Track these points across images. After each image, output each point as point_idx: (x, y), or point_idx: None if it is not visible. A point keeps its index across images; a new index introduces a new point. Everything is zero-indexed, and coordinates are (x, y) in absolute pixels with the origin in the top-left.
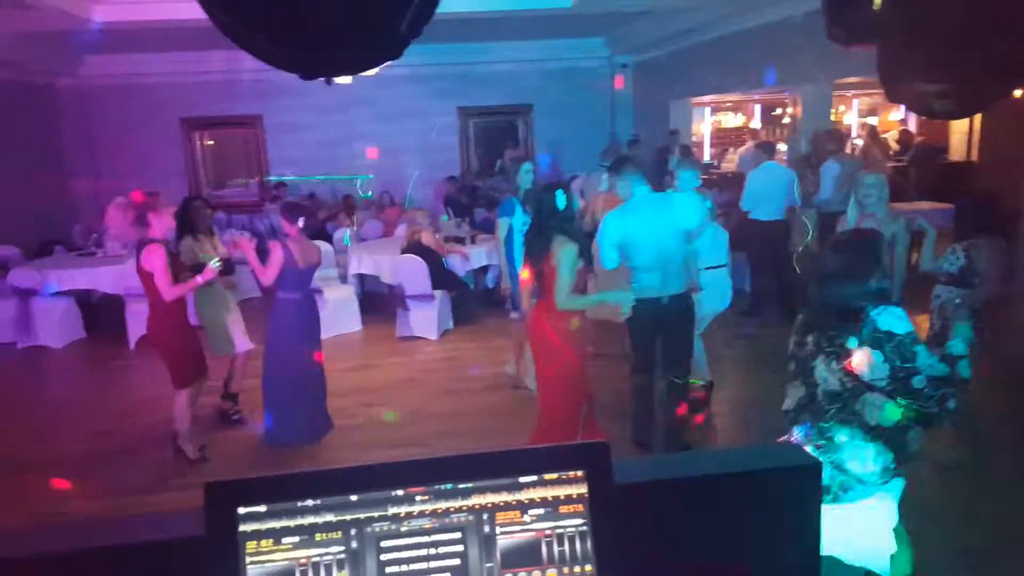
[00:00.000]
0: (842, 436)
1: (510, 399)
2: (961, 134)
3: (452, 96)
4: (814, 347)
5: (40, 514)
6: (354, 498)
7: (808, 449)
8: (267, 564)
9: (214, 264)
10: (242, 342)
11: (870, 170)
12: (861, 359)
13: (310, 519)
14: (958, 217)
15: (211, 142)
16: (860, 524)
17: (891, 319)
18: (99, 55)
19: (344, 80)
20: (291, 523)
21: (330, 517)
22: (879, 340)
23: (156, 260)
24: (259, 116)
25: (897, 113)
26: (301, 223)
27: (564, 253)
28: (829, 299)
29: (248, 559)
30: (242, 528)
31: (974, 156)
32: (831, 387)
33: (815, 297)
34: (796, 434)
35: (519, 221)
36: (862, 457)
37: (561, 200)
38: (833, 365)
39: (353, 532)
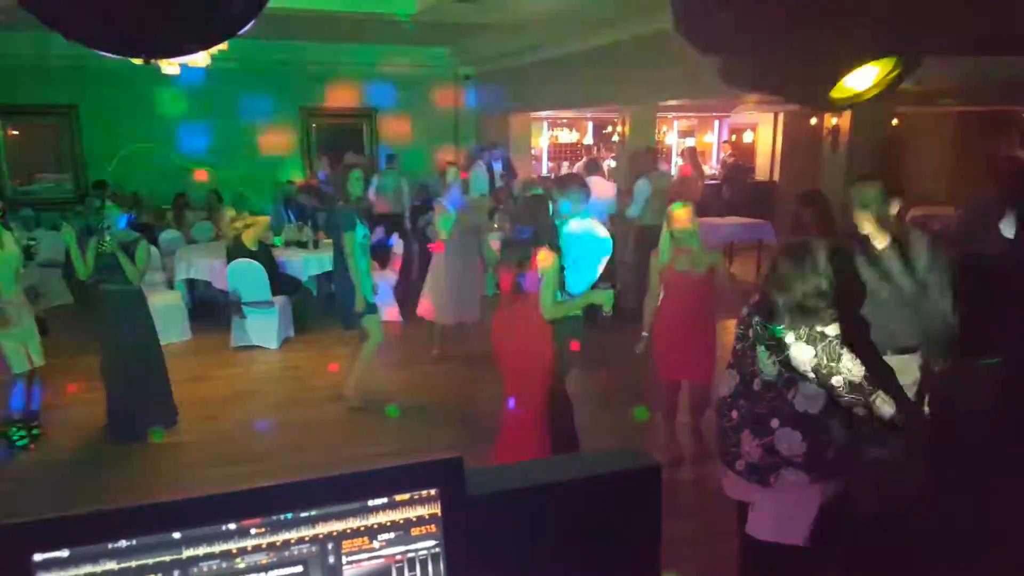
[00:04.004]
0: (775, 421)
1: (354, 410)
2: (765, 156)
3: (293, 96)
4: (754, 339)
5: None
6: (177, 535)
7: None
8: None
9: None
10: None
11: (684, 188)
12: (797, 352)
13: (124, 562)
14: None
15: (16, 132)
16: (787, 501)
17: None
18: None
19: (172, 70)
20: (100, 568)
21: (148, 559)
22: (813, 338)
23: None
24: (74, 106)
25: (711, 135)
26: None
27: (551, 263)
28: (788, 299)
29: None
30: None
31: (776, 176)
32: (769, 377)
33: (775, 296)
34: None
35: (360, 233)
36: (792, 440)
37: (549, 209)
38: (773, 357)
39: (176, 574)
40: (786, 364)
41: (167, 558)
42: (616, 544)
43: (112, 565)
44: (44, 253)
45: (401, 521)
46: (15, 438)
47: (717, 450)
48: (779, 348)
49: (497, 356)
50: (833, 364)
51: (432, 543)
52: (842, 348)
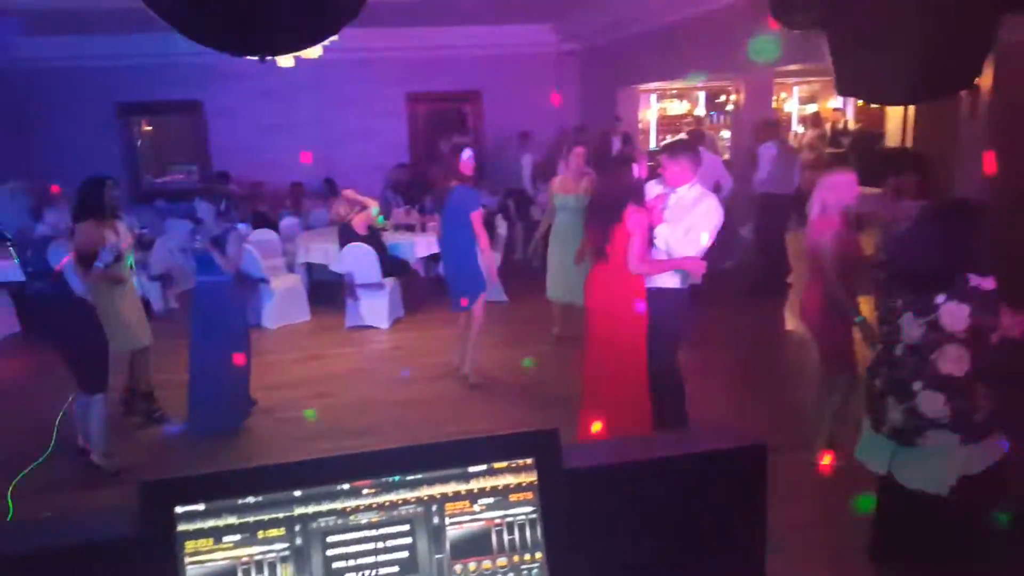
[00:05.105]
0: (918, 384)
1: (462, 387)
2: (897, 121)
3: (399, 82)
4: (904, 306)
5: None
6: (298, 493)
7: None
8: (207, 564)
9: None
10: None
11: (813, 153)
12: (950, 310)
13: (251, 516)
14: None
15: (149, 128)
16: (932, 460)
17: (980, 277)
18: (31, 37)
19: (287, 63)
20: (231, 521)
21: (273, 514)
22: (967, 294)
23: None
24: (199, 101)
25: (835, 101)
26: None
27: (639, 219)
28: (931, 264)
29: (187, 559)
30: (180, 528)
31: (909, 142)
32: (912, 340)
33: (917, 261)
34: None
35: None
36: (934, 402)
37: (634, 172)
38: (920, 320)
39: (297, 528)
40: (934, 325)
41: (289, 513)
42: (717, 525)
43: (242, 518)
44: (176, 241)
45: (500, 487)
46: (151, 412)
47: (868, 417)
48: (928, 310)
49: (589, 323)
50: (993, 317)
51: (529, 509)
52: (1001, 304)
